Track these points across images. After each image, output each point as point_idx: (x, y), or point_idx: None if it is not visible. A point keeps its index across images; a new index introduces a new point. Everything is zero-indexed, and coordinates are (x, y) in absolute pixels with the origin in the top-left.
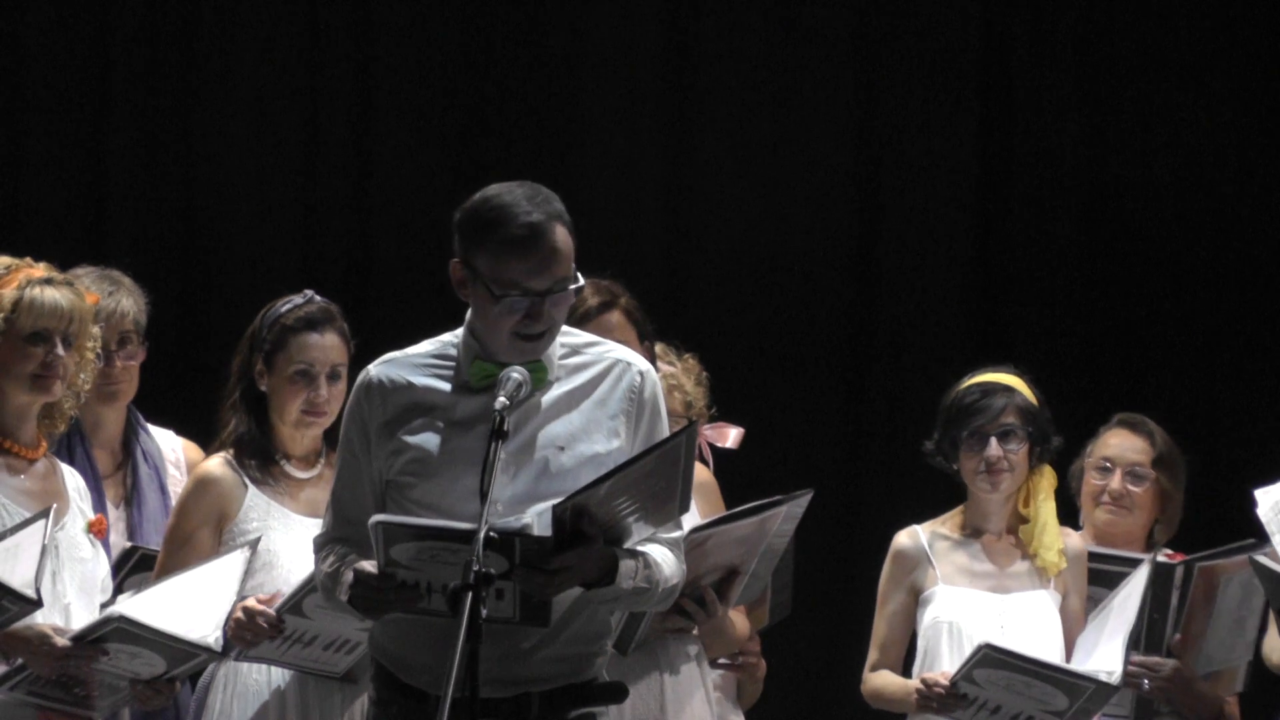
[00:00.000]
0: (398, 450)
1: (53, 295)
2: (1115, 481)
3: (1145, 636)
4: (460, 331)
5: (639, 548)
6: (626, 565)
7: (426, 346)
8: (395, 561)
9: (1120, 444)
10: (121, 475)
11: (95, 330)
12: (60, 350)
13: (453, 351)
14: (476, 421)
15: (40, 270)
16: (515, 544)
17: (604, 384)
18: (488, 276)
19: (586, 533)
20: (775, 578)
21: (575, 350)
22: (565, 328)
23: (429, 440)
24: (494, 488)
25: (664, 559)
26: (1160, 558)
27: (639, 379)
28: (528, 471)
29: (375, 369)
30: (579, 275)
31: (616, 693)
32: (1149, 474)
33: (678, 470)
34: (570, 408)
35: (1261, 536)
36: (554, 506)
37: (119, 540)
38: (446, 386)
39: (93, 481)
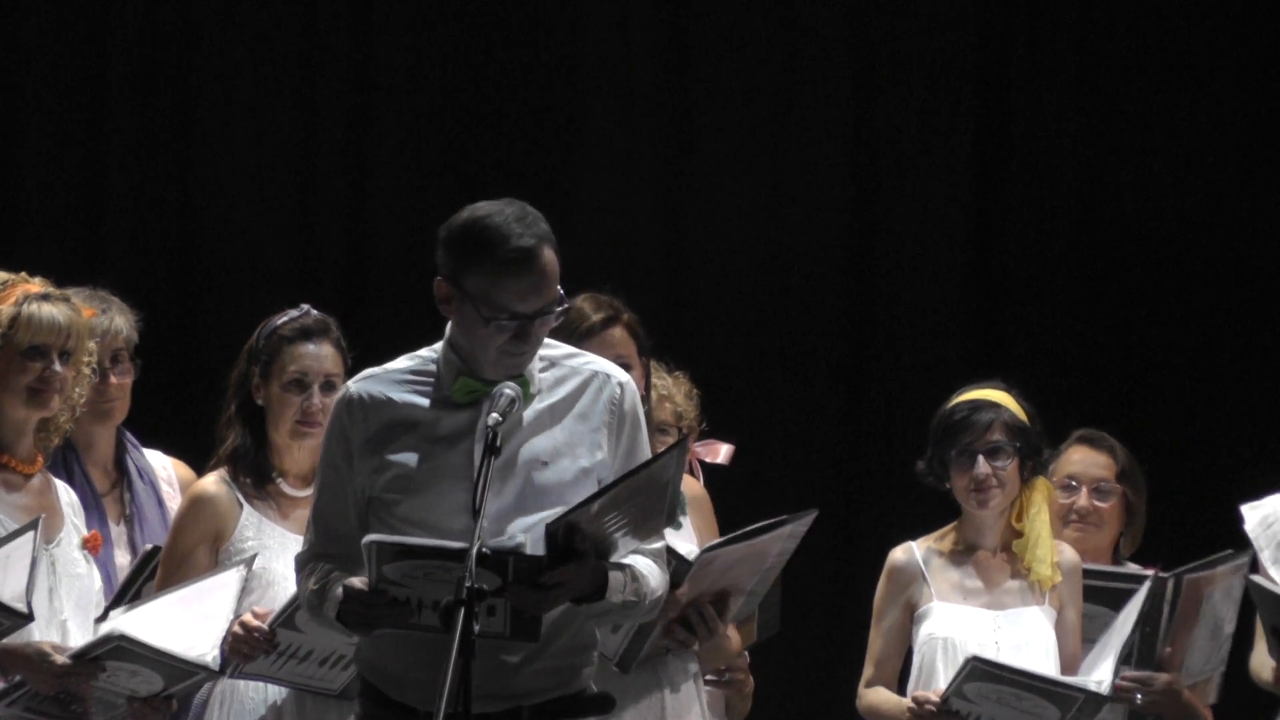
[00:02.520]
0: (380, 468)
1: (50, 311)
2: (1083, 499)
3: (1138, 651)
4: (439, 346)
5: (625, 560)
6: (616, 579)
7: (404, 363)
8: (386, 579)
9: (1083, 460)
10: (118, 493)
11: (92, 345)
12: (57, 365)
13: (432, 367)
14: (460, 437)
15: (37, 285)
16: (509, 562)
17: (585, 397)
18: (477, 298)
19: (579, 549)
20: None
21: (554, 363)
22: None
23: (412, 457)
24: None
25: (649, 571)
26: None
27: (619, 391)
28: (512, 486)
29: (355, 385)
30: (563, 295)
31: (604, 704)
32: (1115, 489)
33: (665, 487)
34: (553, 422)
35: (1243, 546)
36: (547, 525)
37: (122, 557)
38: (426, 402)
39: (92, 499)
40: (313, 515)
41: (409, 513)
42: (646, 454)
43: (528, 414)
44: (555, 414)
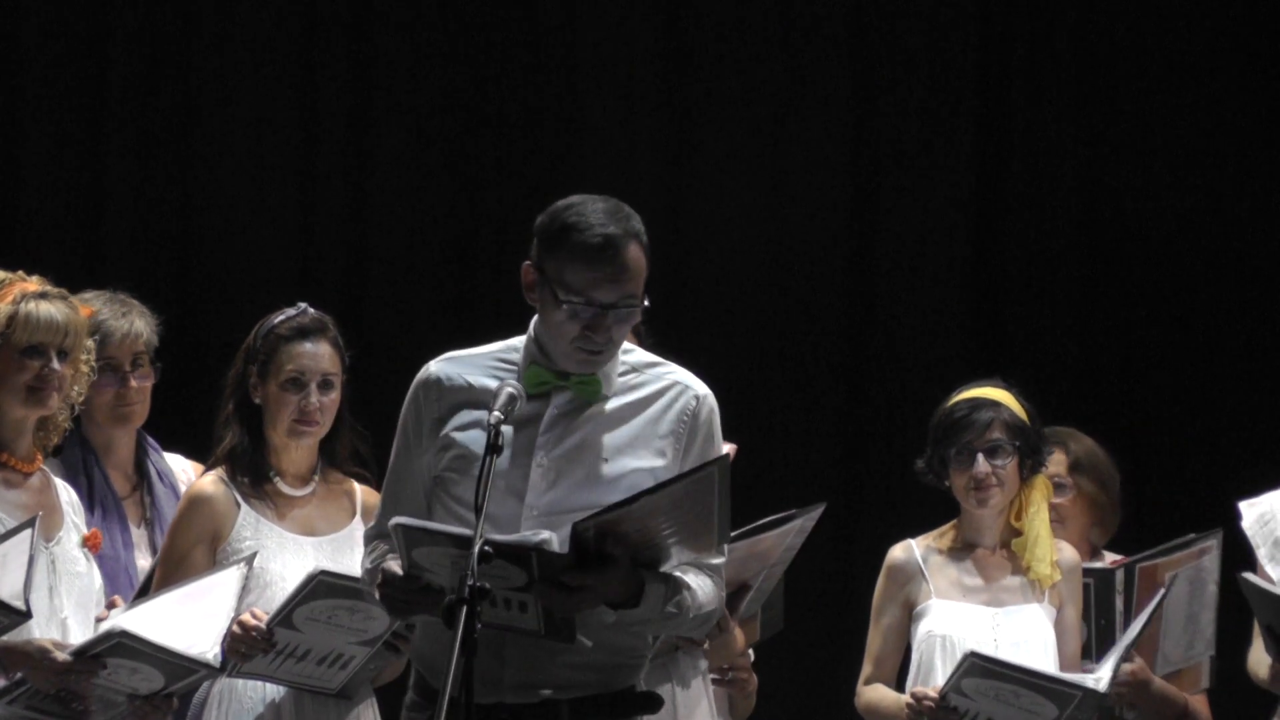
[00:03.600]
0: (446, 446)
1: (48, 309)
2: None
3: (1095, 644)
4: (526, 335)
5: (676, 573)
6: (655, 589)
7: (492, 347)
8: (418, 565)
9: None
10: (138, 496)
11: (89, 344)
12: (56, 364)
13: (515, 356)
14: (524, 425)
15: (34, 284)
16: (532, 558)
17: (659, 403)
18: (555, 282)
19: (610, 554)
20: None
21: (635, 369)
22: (629, 345)
23: (476, 438)
24: (531, 493)
25: (700, 586)
26: (1102, 564)
27: (694, 402)
28: (568, 480)
29: (436, 365)
30: (646, 298)
31: (651, 703)
32: (1067, 482)
33: (712, 499)
34: (621, 422)
35: (1203, 532)
36: (574, 524)
37: (144, 560)
38: None
39: (113, 503)
40: (383, 491)
41: (465, 494)
42: None
43: (598, 411)
44: (625, 414)
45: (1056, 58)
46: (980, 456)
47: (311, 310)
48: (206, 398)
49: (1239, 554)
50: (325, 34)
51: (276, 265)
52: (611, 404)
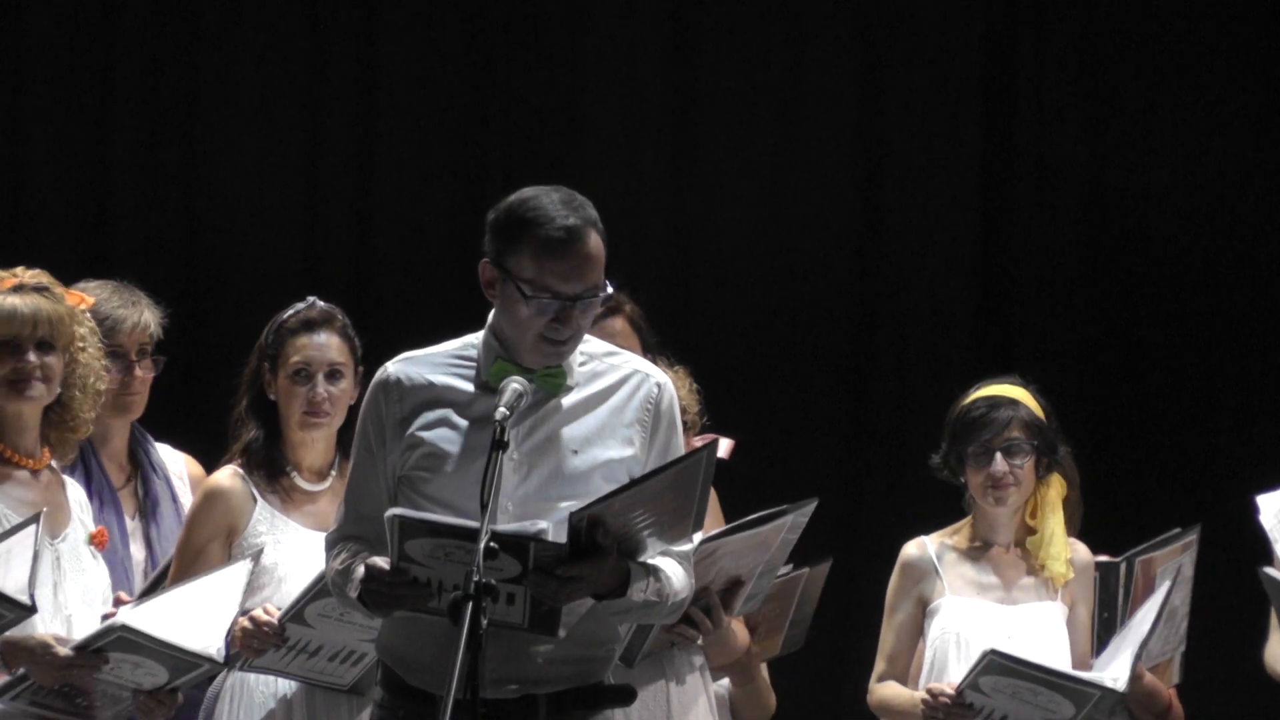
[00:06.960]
0: (412, 445)
1: (14, 302)
2: None
3: (1098, 637)
4: (482, 332)
5: (650, 561)
6: (638, 577)
7: (448, 346)
8: (409, 557)
9: None
10: (133, 487)
11: (82, 331)
12: (32, 356)
13: (473, 352)
14: (491, 421)
15: (12, 279)
16: (530, 548)
17: (621, 392)
18: (520, 277)
19: (601, 544)
20: (797, 610)
21: (594, 358)
22: (584, 335)
23: (444, 436)
24: (505, 487)
25: (674, 573)
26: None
27: (656, 390)
28: (540, 472)
29: (393, 366)
30: (608, 284)
31: (625, 696)
32: None
33: (695, 487)
34: (586, 412)
35: (1188, 526)
36: (570, 514)
37: (138, 551)
38: (465, 385)
39: (109, 493)
40: (345, 495)
41: (436, 491)
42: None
43: (564, 402)
44: (590, 404)
45: (1061, 55)
46: (999, 456)
47: (320, 303)
48: (209, 392)
49: (1217, 548)
50: (330, 29)
51: (281, 261)
52: (574, 395)
